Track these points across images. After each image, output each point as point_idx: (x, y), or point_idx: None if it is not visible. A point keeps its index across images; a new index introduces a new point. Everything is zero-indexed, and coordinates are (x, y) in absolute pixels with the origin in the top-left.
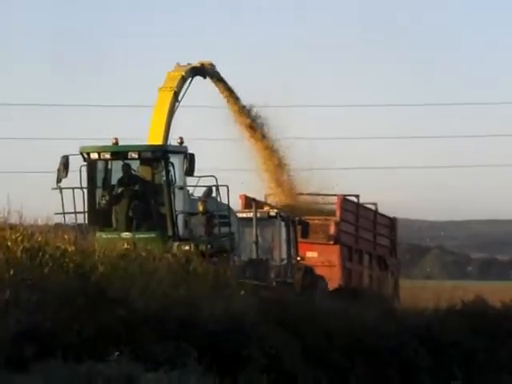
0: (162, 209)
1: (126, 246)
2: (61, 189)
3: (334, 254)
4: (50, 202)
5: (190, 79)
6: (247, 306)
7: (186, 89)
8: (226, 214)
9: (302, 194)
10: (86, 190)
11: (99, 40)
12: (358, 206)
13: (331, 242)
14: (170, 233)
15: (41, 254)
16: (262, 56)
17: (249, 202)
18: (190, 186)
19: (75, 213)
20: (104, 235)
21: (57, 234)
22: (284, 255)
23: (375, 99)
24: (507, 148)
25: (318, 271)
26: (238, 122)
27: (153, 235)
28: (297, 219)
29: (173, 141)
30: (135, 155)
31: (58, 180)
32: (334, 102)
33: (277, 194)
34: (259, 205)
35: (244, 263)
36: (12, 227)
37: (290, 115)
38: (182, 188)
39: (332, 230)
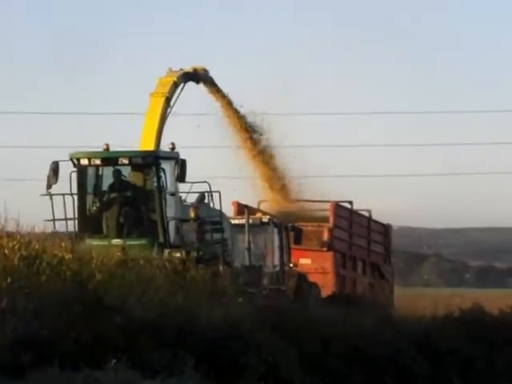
0: (153, 215)
1: (118, 254)
2: (51, 195)
3: (327, 260)
4: (47, 209)
5: (182, 85)
6: (244, 313)
7: (179, 94)
8: (218, 220)
9: (298, 201)
10: (76, 197)
11: (92, 44)
12: (352, 212)
13: (324, 249)
14: (161, 239)
15: (38, 261)
16: (257, 58)
17: (241, 209)
18: (182, 192)
19: (66, 219)
20: (94, 242)
21: (54, 242)
22: (277, 262)
23: (374, 106)
24: (504, 156)
25: (312, 278)
26: (232, 127)
27: (144, 242)
28: (290, 225)
29: (166, 147)
30: (126, 161)
31: (48, 186)
32: (333, 109)
33: (272, 200)
34: (252, 211)
35: (237, 270)
36: (9, 235)
37: (286, 122)
38: (173, 194)
39: (325, 236)
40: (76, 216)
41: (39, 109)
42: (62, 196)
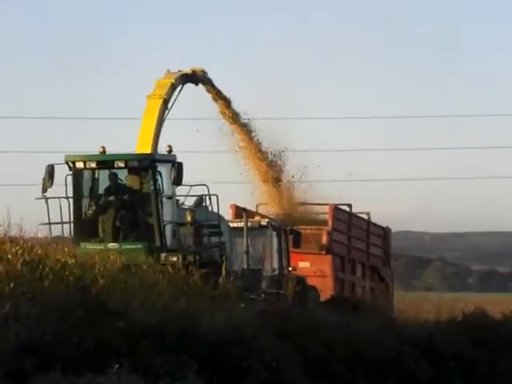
0: (149, 219)
1: (112, 257)
2: (46, 199)
3: (326, 264)
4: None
5: (180, 86)
6: (247, 318)
7: (176, 96)
8: (216, 223)
9: (297, 204)
10: (71, 200)
11: (89, 46)
12: (351, 215)
13: (323, 252)
14: (157, 243)
15: (41, 266)
16: (257, 60)
17: (239, 212)
18: (179, 195)
19: (61, 223)
20: (90, 246)
21: (57, 247)
22: (276, 265)
23: (376, 110)
24: (507, 160)
25: (311, 281)
26: (232, 130)
27: (140, 246)
28: (288, 229)
29: (164, 150)
30: (122, 164)
31: (44, 190)
32: (333, 113)
33: (271, 203)
34: (250, 214)
35: (235, 274)
36: (12, 240)
37: (285, 126)
38: (170, 197)
39: (324, 239)
40: (72, 220)
41: (37, 113)
42: (58, 200)
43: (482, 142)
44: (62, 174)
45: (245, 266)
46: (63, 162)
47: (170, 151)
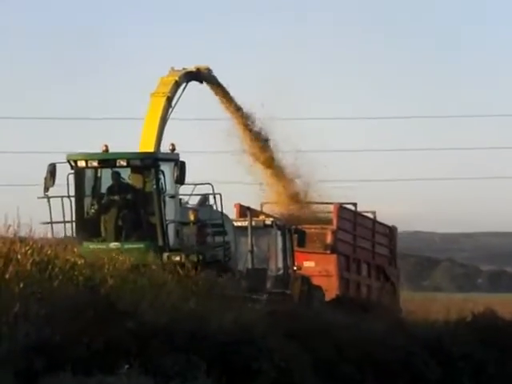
0: (152, 218)
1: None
2: (48, 198)
3: (331, 263)
4: (56, 213)
5: (184, 84)
6: (257, 318)
7: (180, 94)
8: (220, 222)
9: (303, 203)
10: (73, 199)
11: (91, 45)
12: (356, 214)
13: (328, 252)
14: (160, 243)
15: (50, 267)
16: (261, 60)
17: (243, 211)
18: (183, 194)
19: (64, 222)
20: (92, 245)
21: (66, 247)
22: (280, 265)
23: (383, 111)
24: None
25: (315, 281)
26: (237, 128)
27: (142, 245)
28: (293, 228)
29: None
30: (124, 163)
31: (46, 189)
32: (339, 113)
33: (277, 202)
34: (254, 213)
35: (240, 273)
36: (22, 240)
37: (290, 126)
38: (173, 196)
39: (329, 239)
40: (74, 219)
41: (40, 114)
42: (60, 199)
43: (491, 142)
44: (64, 173)
45: (249, 266)
46: (65, 160)
47: (173, 150)
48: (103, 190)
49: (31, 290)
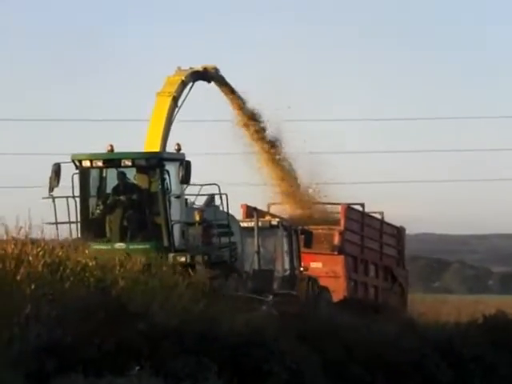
0: (157, 218)
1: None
2: (53, 198)
3: (338, 264)
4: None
5: (190, 84)
6: (267, 319)
7: (187, 94)
8: (226, 223)
9: (311, 204)
10: (78, 199)
11: (93, 45)
12: (363, 214)
13: (335, 252)
14: (165, 243)
15: (62, 268)
16: (258, 59)
17: (250, 212)
18: (188, 194)
19: (69, 223)
20: (97, 246)
21: (77, 249)
22: (287, 266)
23: (395, 112)
24: None
25: (323, 282)
26: (245, 128)
27: (147, 246)
28: (299, 228)
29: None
30: (129, 163)
31: (50, 189)
32: (346, 115)
33: (285, 203)
34: (261, 214)
35: (246, 274)
36: (33, 242)
37: (299, 127)
38: (178, 197)
39: (336, 239)
40: (78, 219)
41: (42, 115)
42: (65, 199)
43: (504, 143)
44: (70, 173)
45: (256, 267)
46: (70, 160)
47: (179, 150)
48: (108, 190)
49: (43, 291)
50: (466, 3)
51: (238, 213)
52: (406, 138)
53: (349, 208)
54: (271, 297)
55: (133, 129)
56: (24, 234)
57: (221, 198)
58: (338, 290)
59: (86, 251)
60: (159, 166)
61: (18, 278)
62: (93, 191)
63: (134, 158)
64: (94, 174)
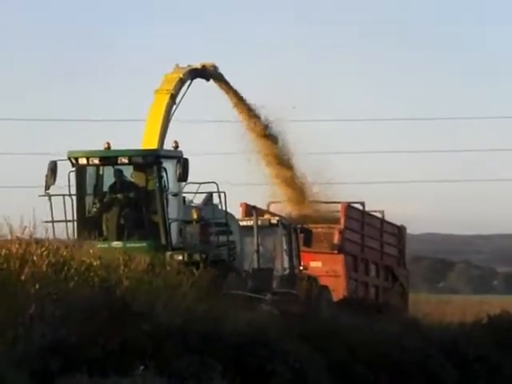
0: (154, 217)
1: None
2: (49, 196)
3: (338, 263)
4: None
5: (189, 81)
6: (270, 319)
7: (185, 92)
8: (224, 221)
9: (312, 202)
10: (74, 197)
11: (92, 45)
12: (364, 213)
13: (335, 251)
14: (162, 242)
15: (66, 268)
16: (263, 58)
17: (249, 210)
18: (186, 192)
19: (65, 221)
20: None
21: (82, 248)
22: (286, 265)
23: (397, 112)
24: None
25: (323, 281)
26: (245, 125)
27: (144, 244)
28: (299, 227)
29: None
30: (125, 160)
31: (47, 187)
32: (352, 115)
33: (287, 201)
34: (260, 213)
35: (245, 273)
36: (38, 242)
37: (300, 126)
38: (176, 195)
39: (336, 238)
40: (75, 218)
41: (42, 115)
42: (61, 197)
43: (509, 143)
44: (66, 171)
45: (255, 266)
46: (66, 158)
47: (177, 147)
48: (105, 188)
49: (47, 291)
50: (466, 3)
51: (237, 212)
52: (409, 137)
53: (349, 206)
54: (269, 295)
55: (132, 128)
56: (28, 234)
57: (219, 196)
58: (338, 289)
59: (91, 251)
60: (156, 164)
61: (23, 277)
62: (89, 189)
63: (131, 155)
64: (91, 171)
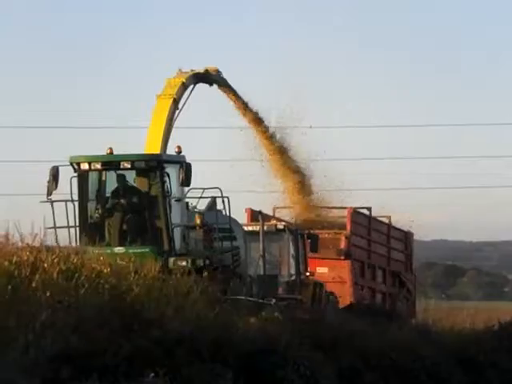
0: (157, 222)
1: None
2: (52, 202)
3: (344, 269)
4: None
5: (192, 86)
6: (282, 326)
7: (188, 96)
8: (228, 227)
9: (317, 208)
10: (77, 203)
11: (93, 50)
12: (370, 219)
13: (342, 257)
14: (166, 247)
15: (77, 275)
16: (280, 66)
17: (255, 216)
18: (190, 197)
19: (68, 227)
20: (96, 250)
21: (92, 256)
22: (293, 270)
23: (409, 119)
24: None
25: (329, 287)
26: (252, 131)
27: (147, 250)
28: (306, 233)
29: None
30: (128, 165)
31: (49, 193)
32: (364, 122)
33: (295, 206)
34: (266, 218)
35: (251, 279)
36: (48, 249)
37: (309, 133)
38: (179, 200)
39: (342, 244)
40: (77, 223)
41: (47, 122)
42: (64, 203)
43: None
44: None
45: (261, 271)
46: (68, 163)
47: (179, 152)
48: (107, 193)
49: (58, 298)
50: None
51: (242, 217)
52: (419, 144)
53: (355, 212)
54: (274, 301)
55: (135, 134)
56: (39, 241)
57: (223, 201)
58: (345, 295)
59: (101, 258)
60: (159, 169)
61: (34, 285)
62: (91, 194)
63: (134, 160)
64: (93, 176)
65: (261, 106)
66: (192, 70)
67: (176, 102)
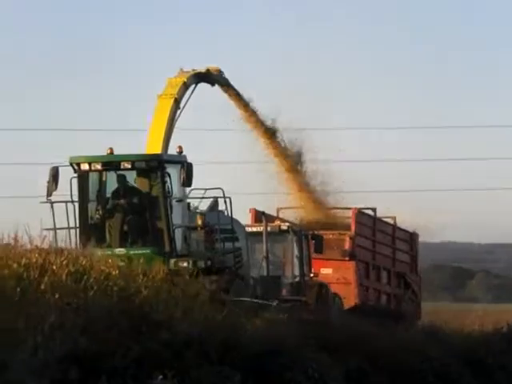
0: (158, 223)
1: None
2: (51, 203)
3: (349, 270)
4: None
5: (193, 86)
6: (289, 328)
7: (189, 96)
8: (230, 228)
9: (326, 209)
10: (77, 204)
11: (93, 50)
12: (375, 219)
13: (346, 258)
14: (166, 248)
15: (85, 277)
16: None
17: (259, 216)
18: (191, 198)
19: (68, 228)
20: (96, 251)
21: (101, 258)
22: (297, 271)
23: (414, 120)
24: None
25: (334, 289)
26: (253, 130)
27: (148, 251)
28: (310, 233)
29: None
30: (128, 165)
31: (48, 193)
32: (369, 123)
33: (296, 208)
34: (270, 219)
35: (254, 280)
36: (57, 251)
37: (314, 134)
38: (180, 200)
39: (347, 245)
40: (77, 224)
41: (42, 125)
42: (64, 203)
43: None
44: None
45: (264, 273)
46: (68, 163)
47: (181, 152)
48: (108, 193)
49: (66, 300)
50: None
51: (246, 217)
52: (426, 146)
53: (359, 212)
54: (276, 302)
55: (135, 136)
56: (48, 243)
57: (225, 202)
58: (349, 296)
59: (110, 260)
60: (160, 169)
61: (43, 286)
62: (92, 195)
63: (134, 160)
64: (93, 177)
65: (262, 107)
66: (193, 70)
67: (177, 101)
